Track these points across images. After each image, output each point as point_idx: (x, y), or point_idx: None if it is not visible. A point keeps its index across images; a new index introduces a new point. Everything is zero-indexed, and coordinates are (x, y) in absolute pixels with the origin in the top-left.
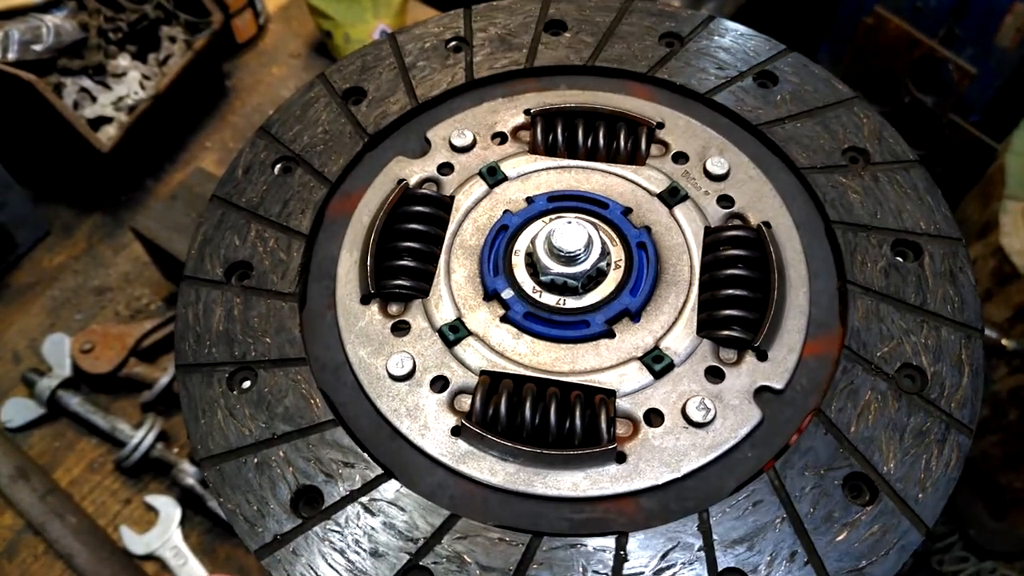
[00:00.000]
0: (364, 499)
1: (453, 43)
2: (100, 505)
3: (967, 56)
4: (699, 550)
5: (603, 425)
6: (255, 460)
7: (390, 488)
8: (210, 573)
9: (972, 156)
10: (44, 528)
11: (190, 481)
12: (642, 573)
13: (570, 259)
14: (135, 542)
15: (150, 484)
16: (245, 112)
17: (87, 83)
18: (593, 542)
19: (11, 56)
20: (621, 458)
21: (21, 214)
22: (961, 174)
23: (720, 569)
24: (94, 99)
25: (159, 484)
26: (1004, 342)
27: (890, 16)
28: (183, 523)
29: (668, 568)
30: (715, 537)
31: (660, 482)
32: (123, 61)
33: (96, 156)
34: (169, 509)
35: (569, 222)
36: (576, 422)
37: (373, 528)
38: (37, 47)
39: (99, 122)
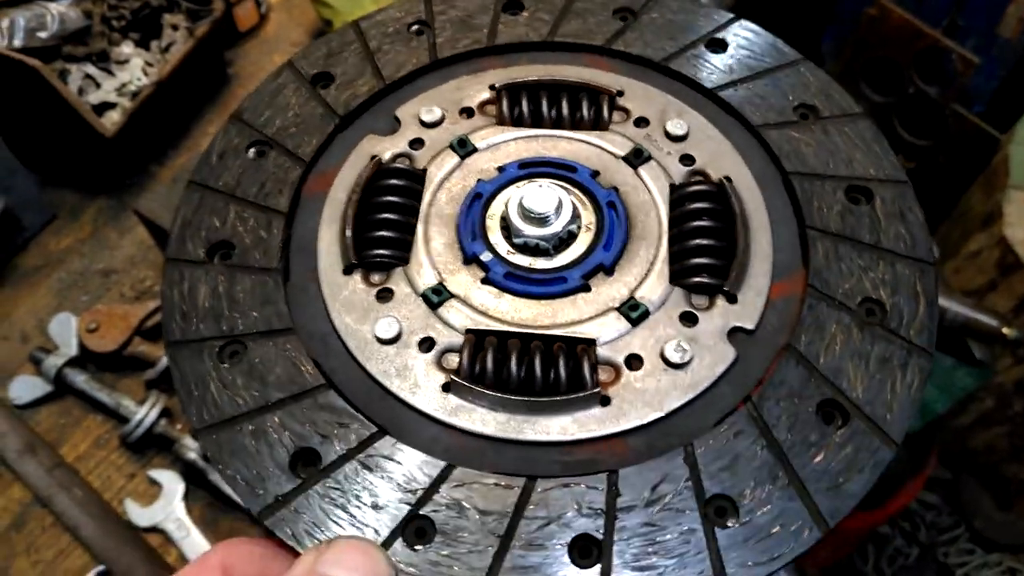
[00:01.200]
0: (361, 456)
1: (415, 26)
2: (106, 479)
3: (970, 46)
4: (686, 480)
5: (586, 371)
6: (251, 427)
7: (386, 444)
8: (212, 545)
9: (976, 146)
10: (51, 501)
11: (192, 456)
12: (635, 505)
13: (541, 220)
14: (139, 515)
15: (154, 459)
16: None
17: (91, 69)
18: (586, 480)
19: (17, 43)
20: (606, 401)
21: (28, 198)
22: (965, 164)
23: (708, 496)
24: (98, 85)
25: (163, 459)
26: (1006, 331)
27: (893, 7)
28: (186, 496)
29: (659, 499)
30: (701, 467)
31: (645, 421)
32: (126, 48)
33: (100, 141)
34: (172, 483)
35: (540, 185)
36: (560, 371)
37: (372, 483)
38: (42, 34)
39: (103, 108)
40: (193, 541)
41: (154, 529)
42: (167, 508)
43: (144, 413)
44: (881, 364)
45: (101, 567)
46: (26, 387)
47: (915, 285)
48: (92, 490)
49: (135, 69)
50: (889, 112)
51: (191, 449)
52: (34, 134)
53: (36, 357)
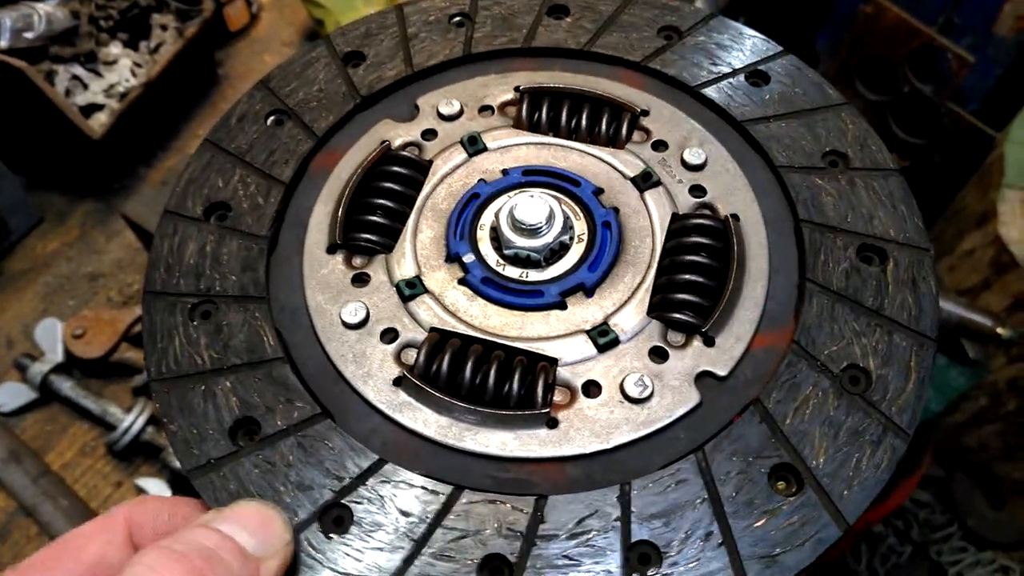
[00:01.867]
0: (299, 434)
1: (457, 18)
2: (92, 488)
3: (965, 45)
4: (615, 520)
5: (540, 390)
6: (202, 387)
7: (325, 427)
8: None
9: (971, 145)
10: (36, 510)
11: (180, 464)
12: (557, 535)
13: (532, 231)
14: None
15: (141, 467)
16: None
17: (79, 71)
18: (513, 500)
19: (3, 43)
20: (553, 423)
21: (14, 201)
22: (960, 163)
23: (633, 540)
24: (85, 86)
25: (150, 467)
26: (1000, 331)
27: (888, 5)
28: None
29: (583, 533)
30: (633, 509)
31: (588, 451)
32: (114, 49)
33: (88, 143)
34: (159, 491)
35: (532, 196)
36: (514, 385)
37: (303, 463)
38: (29, 35)
39: (90, 109)
40: None
41: None
42: None
43: (131, 421)
44: (852, 436)
45: None
46: (11, 394)
47: (910, 360)
48: (78, 499)
49: (123, 70)
50: (884, 110)
51: None
52: (20, 136)
53: (21, 364)
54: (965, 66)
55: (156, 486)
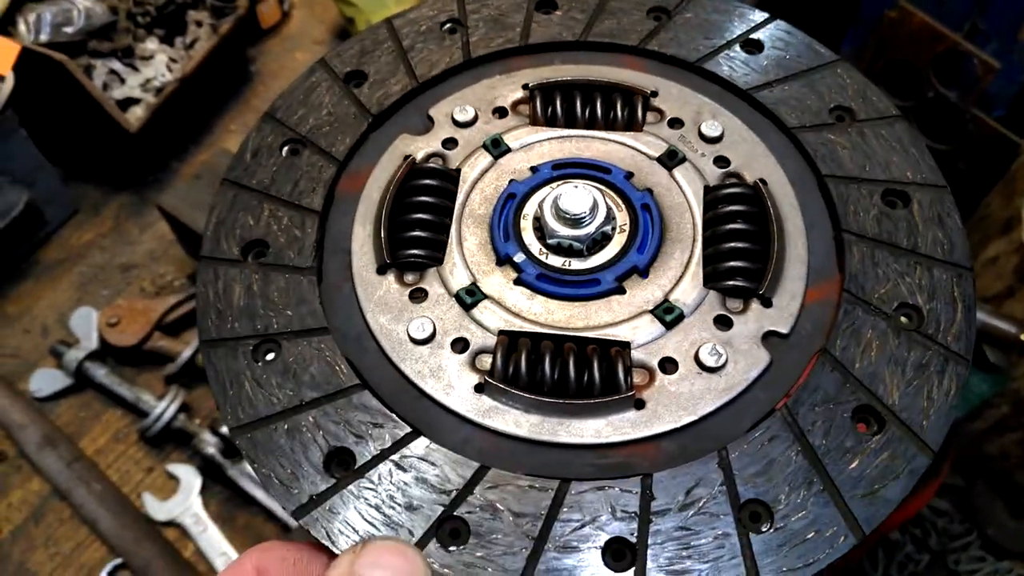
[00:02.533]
0: (395, 456)
1: (448, 25)
2: (124, 473)
3: (991, 51)
4: (721, 484)
5: (620, 374)
6: (285, 426)
7: (419, 445)
8: (229, 540)
9: (995, 151)
10: (70, 494)
11: (211, 451)
12: (669, 509)
13: (576, 222)
14: (157, 509)
15: (172, 454)
16: (268, 97)
17: (116, 65)
18: (620, 484)
19: (43, 38)
20: (640, 405)
21: (51, 192)
22: (984, 170)
23: (743, 500)
24: (123, 81)
25: (181, 454)
26: (1023, 337)
27: (914, 10)
28: (203, 491)
29: (693, 503)
30: (735, 472)
31: (679, 425)
32: (151, 44)
33: (124, 136)
34: (190, 478)
35: (576, 186)
36: (595, 373)
37: (406, 483)
38: (68, 29)
39: (127, 103)
40: (210, 536)
41: (171, 523)
42: (184, 503)
43: (163, 408)
44: (917, 370)
45: (118, 560)
46: (47, 380)
47: (952, 291)
48: (110, 484)
49: (159, 65)
50: (908, 116)
51: (209, 444)
52: (58, 129)
53: (57, 350)
54: (990, 72)
55: (187, 473)
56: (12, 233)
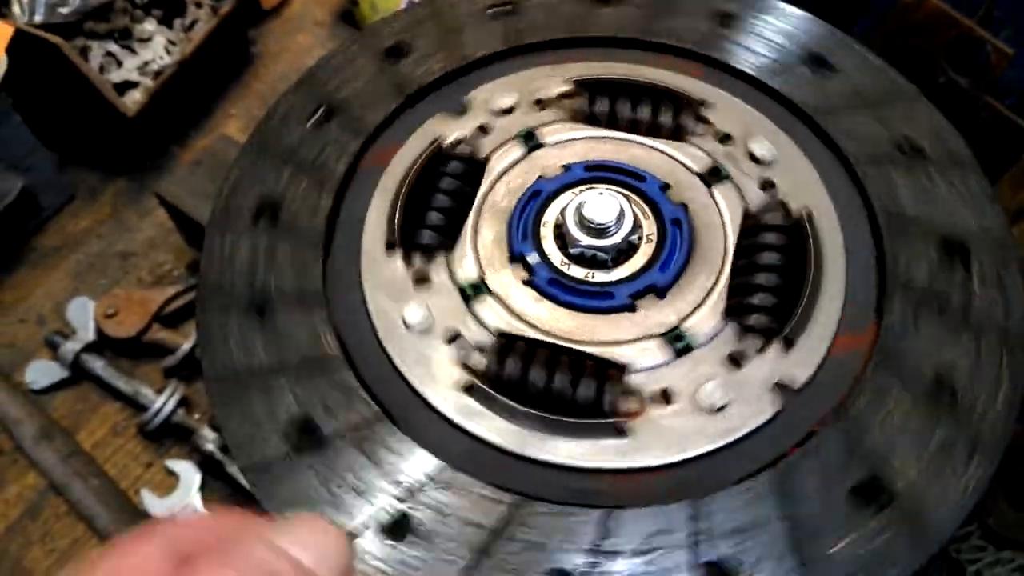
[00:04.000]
0: (358, 436)
1: (499, 8)
2: (122, 468)
3: (1005, 37)
4: (684, 538)
5: (611, 398)
6: (258, 386)
7: (387, 431)
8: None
9: (1007, 140)
10: (67, 489)
11: (210, 447)
12: (622, 552)
13: (600, 231)
14: (156, 505)
15: (171, 449)
16: (270, 79)
17: (113, 47)
18: (580, 513)
19: (38, 19)
20: (625, 433)
21: (46, 178)
22: (996, 157)
23: (705, 560)
24: (120, 63)
25: (180, 449)
26: None
27: None
28: (203, 488)
29: (651, 551)
30: (704, 527)
31: (661, 463)
32: (149, 26)
33: (122, 120)
34: (189, 474)
35: (600, 193)
36: (583, 392)
37: (362, 467)
38: (63, 10)
39: (125, 87)
40: None
41: None
42: (184, 499)
43: (162, 402)
44: (940, 451)
45: None
46: (43, 372)
47: (999, 371)
48: (108, 479)
49: (157, 47)
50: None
51: (209, 440)
52: (54, 113)
53: (53, 341)
54: (1004, 59)
55: (186, 468)
56: (6, 220)
